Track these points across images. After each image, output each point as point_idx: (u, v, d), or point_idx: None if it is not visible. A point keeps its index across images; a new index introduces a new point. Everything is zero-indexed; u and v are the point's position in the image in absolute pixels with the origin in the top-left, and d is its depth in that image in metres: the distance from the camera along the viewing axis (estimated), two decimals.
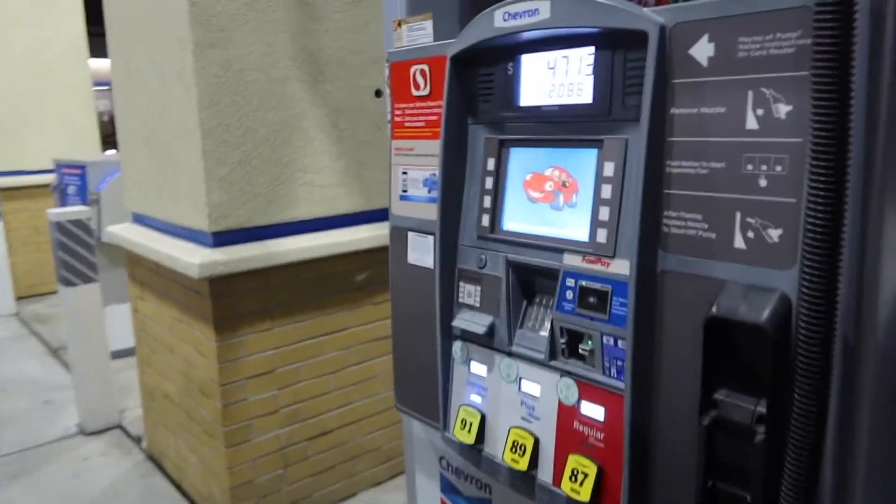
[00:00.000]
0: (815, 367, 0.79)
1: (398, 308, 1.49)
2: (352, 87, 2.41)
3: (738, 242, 0.87)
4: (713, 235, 0.90)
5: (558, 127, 1.12)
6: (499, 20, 1.09)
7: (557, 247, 1.11)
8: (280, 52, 2.22)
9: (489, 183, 1.23)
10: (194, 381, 2.43)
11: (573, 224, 1.10)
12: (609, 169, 1.03)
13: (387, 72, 1.43)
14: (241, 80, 2.14)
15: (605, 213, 1.04)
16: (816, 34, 0.72)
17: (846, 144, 0.74)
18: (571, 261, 1.09)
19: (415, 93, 1.36)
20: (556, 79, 1.11)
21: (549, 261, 1.13)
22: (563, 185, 1.12)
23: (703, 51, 0.88)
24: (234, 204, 2.18)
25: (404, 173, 1.42)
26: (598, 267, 1.05)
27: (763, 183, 0.84)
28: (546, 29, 1.03)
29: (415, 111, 1.37)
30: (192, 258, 2.09)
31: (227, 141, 2.13)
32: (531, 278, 1.21)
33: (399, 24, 1.39)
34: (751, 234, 0.86)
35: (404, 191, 1.42)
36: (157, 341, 2.70)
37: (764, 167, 0.84)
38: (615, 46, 1.01)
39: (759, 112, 0.84)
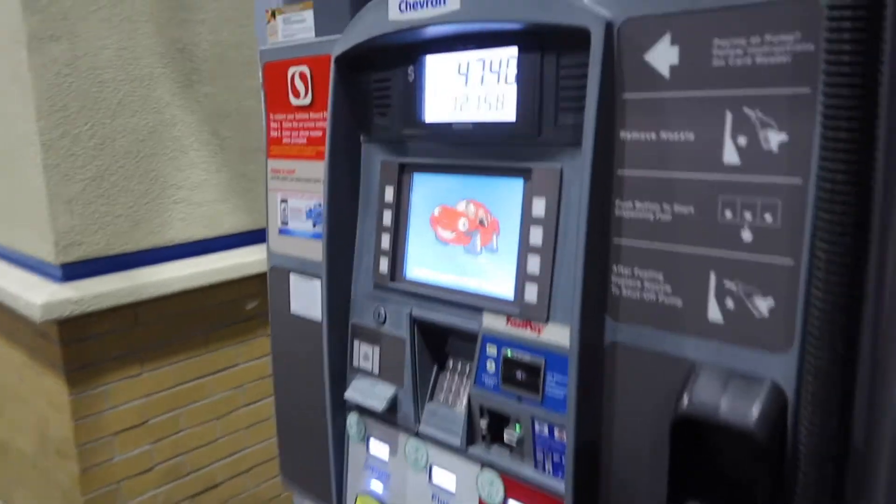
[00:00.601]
0: (822, 488, 0.59)
1: (280, 367, 1.21)
2: (234, 89, 2.09)
3: (714, 314, 0.66)
4: (679, 302, 0.68)
5: (473, 150, 0.88)
6: (394, 11, 0.83)
7: (474, 304, 0.87)
8: (143, 47, 1.88)
9: (387, 218, 0.98)
10: (50, 440, 2.04)
11: (494, 275, 0.87)
12: (538, 207, 0.80)
13: (260, 74, 1.14)
14: (93, 80, 1.79)
15: (534, 264, 0.81)
16: (832, 39, 0.51)
17: (869, 189, 0.53)
18: (493, 322, 0.86)
19: (294, 101, 1.09)
20: (470, 88, 0.87)
21: (465, 320, 0.89)
22: (481, 223, 0.88)
23: (663, 56, 0.66)
24: (88, 229, 1.83)
25: (283, 201, 1.14)
26: (527, 333, 0.82)
27: (747, 236, 0.63)
28: (455, 24, 0.78)
29: (295, 124, 1.10)
30: (35, 296, 1.72)
31: (76, 153, 1.78)
32: (443, 338, 0.97)
33: (273, 15, 1.12)
34: (730, 304, 0.65)
35: (284, 223, 1.14)
36: (7, 389, 2.28)
37: (748, 215, 0.63)
38: (545, 47, 0.78)
39: (741, 141, 0.63)
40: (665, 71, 0.67)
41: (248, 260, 2.11)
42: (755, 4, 0.60)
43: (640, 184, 0.70)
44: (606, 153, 0.71)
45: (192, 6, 1.98)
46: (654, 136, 0.68)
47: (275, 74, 1.11)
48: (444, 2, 0.77)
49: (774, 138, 0.61)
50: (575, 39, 0.72)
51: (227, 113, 2.09)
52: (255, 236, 2.19)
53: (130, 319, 1.95)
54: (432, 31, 0.84)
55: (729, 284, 0.65)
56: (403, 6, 0.82)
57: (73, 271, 1.82)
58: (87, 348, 1.86)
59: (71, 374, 1.84)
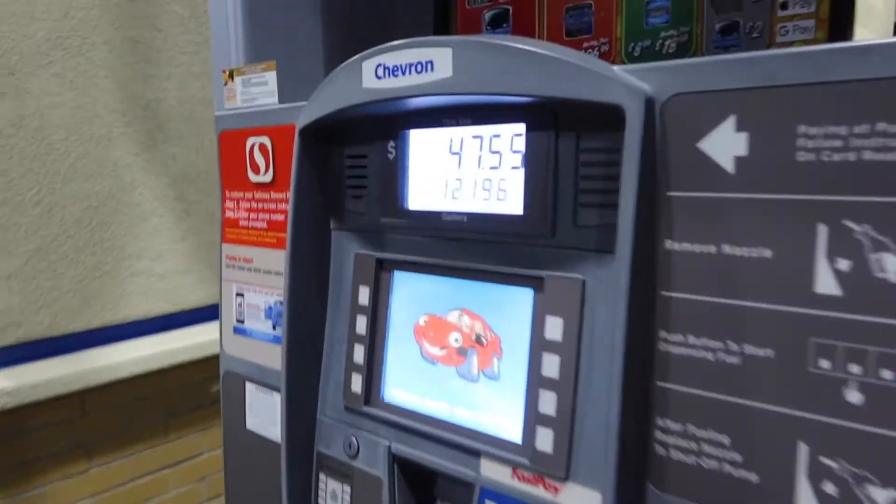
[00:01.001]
0: None
1: (233, 491, 1.01)
2: (203, 149, 1.93)
3: (806, 499, 0.48)
4: (754, 477, 0.50)
5: (468, 248, 0.71)
6: (369, 78, 0.67)
7: (470, 444, 0.69)
8: (101, 105, 1.72)
9: (362, 324, 0.80)
10: None
11: (496, 409, 0.68)
12: (554, 328, 0.62)
13: (216, 144, 0.98)
14: (41, 141, 1.62)
15: (548, 402, 0.62)
16: None
17: None
18: (494, 472, 0.67)
19: (253, 178, 0.92)
20: (464, 170, 0.70)
21: (458, 465, 0.70)
22: (478, 341, 0.70)
23: (726, 145, 0.50)
24: (29, 307, 1.63)
25: (239, 295, 0.96)
26: (539, 492, 0.63)
27: (855, 398, 0.45)
28: (445, 95, 0.62)
29: (254, 205, 0.93)
30: None
31: (18, 223, 1.59)
32: (430, 480, 0.78)
33: (231, 76, 0.96)
34: (830, 489, 0.47)
35: (240, 321, 0.96)
36: None
37: (855, 368, 0.45)
38: (562, 124, 0.61)
39: (842, 265, 0.46)
40: (728, 164, 0.50)
41: (214, 337, 1.91)
42: (861, 81, 0.44)
43: (695, 311, 0.52)
44: (647, 268, 0.54)
45: (158, 60, 1.83)
46: (712, 249, 0.51)
47: (232, 145, 0.94)
48: (431, 68, 0.61)
49: (893, 264, 0.44)
50: (602, 115, 0.56)
51: (194, 175, 1.92)
52: None
53: (76, 408, 1.73)
54: (417, 102, 0.67)
55: (828, 461, 0.47)
56: (381, 72, 0.65)
57: (10, 356, 1.61)
58: (24, 444, 1.64)
59: (4, 475, 1.61)
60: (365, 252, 0.81)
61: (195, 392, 1.97)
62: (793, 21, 0.76)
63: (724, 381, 0.51)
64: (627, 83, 0.53)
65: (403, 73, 0.63)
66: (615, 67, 0.54)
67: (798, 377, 0.48)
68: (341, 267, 0.84)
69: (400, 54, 0.64)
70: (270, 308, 0.91)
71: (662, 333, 0.54)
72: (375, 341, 0.79)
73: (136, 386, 1.83)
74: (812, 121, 0.46)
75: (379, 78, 0.66)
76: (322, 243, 0.85)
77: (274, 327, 0.91)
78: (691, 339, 0.52)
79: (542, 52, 0.55)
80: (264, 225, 0.91)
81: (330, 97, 0.73)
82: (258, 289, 0.93)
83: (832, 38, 0.74)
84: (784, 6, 0.77)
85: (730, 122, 0.50)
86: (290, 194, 0.81)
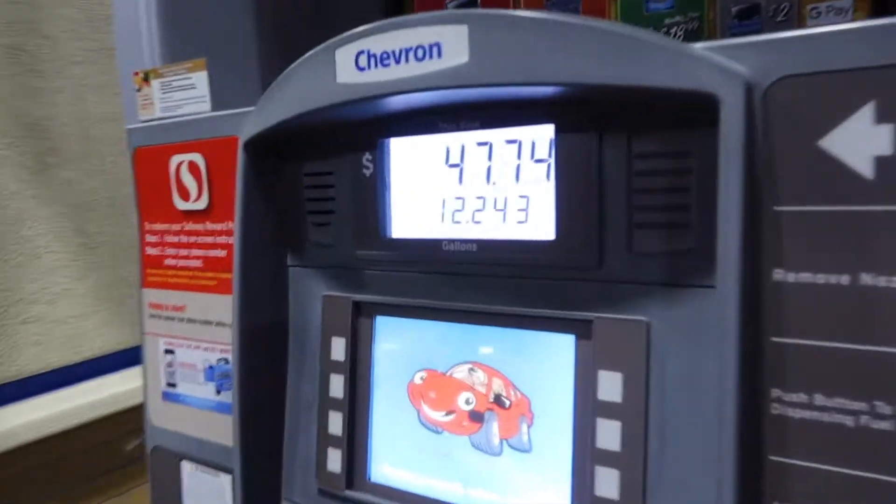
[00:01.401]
0: None
1: None
2: (105, 172, 1.69)
3: None
4: None
5: (481, 284, 0.56)
6: (346, 70, 0.51)
7: None
8: None
9: (337, 385, 0.64)
10: None
11: (529, 489, 0.54)
12: (611, 386, 0.49)
13: (130, 165, 0.79)
14: None
15: (608, 482, 0.48)
16: None
17: None
18: None
19: (182, 205, 0.73)
20: (468, 187, 0.56)
21: None
22: (499, 402, 0.55)
23: (862, 142, 0.38)
24: None
25: (169, 352, 0.77)
26: None
27: None
28: (460, 88, 0.47)
29: (184, 239, 0.74)
30: None
31: None
32: None
33: (146, 79, 0.77)
34: None
35: (171, 384, 0.77)
36: None
37: None
38: (608, 124, 0.48)
39: None
40: (865, 167, 0.38)
41: (125, 388, 1.67)
42: None
43: (823, 362, 0.40)
44: (749, 306, 0.41)
45: (47, 71, 1.58)
46: (845, 279, 0.39)
47: (150, 165, 0.76)
48: (439, 52, 0.46)
49: None
50: (665, 110, 0.43)
51: (95, 203, 1.68)
52: (134, 355, 1.75)
53: None
54: (405, 101, 0.52)
55: None
56: (364, 61, 0.50)
57: None
58: None
59: None
60: (336, 294, 0.65)
61: (105, 454, 1.71)
62: (825, 1, 0.67)
63: (870, 455, 0.39)
64: (720, 64, 0.40)
65: (397, 62, 0.48)
66: (699, 45, 0.41)
67: None
68: (305, 313, 0.67)
69: (391, 37, 0.48)
70: (212, 368, 0.73)
71: (776, 392, 0.41)
72: (357, 406, 0.63)
73: (33, 454, 1.56)
74: None
75: (361, 69, 0.50)
76: (278, 284, 0.68)
77: (218, 391, 0.73)
78: (819, 400, 0.40)
79: (603, 27, 0.42)
80: (199, 264, 0.73)
81: (288, 99, 0.57)
82: (194, 344, 0.74)
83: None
84: None
85: (867, 112, 0.37)
86: (236, 224, 0.64)
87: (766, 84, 0.40)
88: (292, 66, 0.56)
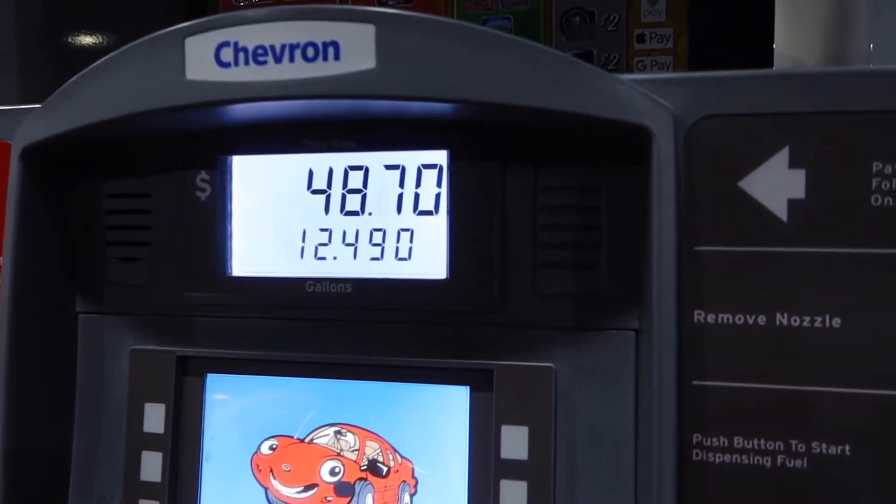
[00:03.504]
0: None
1: None
2: None
3: None
4: None
5: (352, 332, 0.49)
6: (203, 64, 0.41)
7: None
8: None
9: (153, 466, 0.51)
10: None
11: None
12: (516, 442, 0.45)
13: None
14: None
15: None
16: None
17: None
18: None
19: None
20: (336, 218, 0.49)
21: None
22: (373, 470, 0.48)
23: (778, 185, 0.40)
24: None
25: None
26: None
27: None
28: (362, 99, 0.40)
29: None
30: None
31: None
32: None
33: None
34: None
35: None
36: None
37: None
38: (512, 153, 0.45)
39: None
40: (780, 209, 0.40)
41: None
42: None
43: (742, 404, 0.40)
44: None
45: None
46: (762, 319, 0.40)
47: None
48: (336, 54, 0.39)
49: None
50: (573, 143, 0.42)
51: None
52: None
53: None
54: (281, 109, 0.44)
55: None
56: (229, 55, 0.41)
57: None
58: None
59: None
60: (150, 348, 0.52)
61: None
62: (650, 56, 0.72)
63: (789, 493, 0.40)
64: (651, 98, 0.39)
65: (277, 60, 0.40)
66: (624, 77, 0.40)
67: (889, 479, 0.38)
68: (100, 373, 0.53)
69: (269, 28, 0.40)
70: None
71: (697, 437, 0.41)
72: (179, 492, 0.51)
73: None
74: (893, 156, 0.38)
75: (224, 65, 0.41)
76: (62, 335, 0.53)
77: None
78: (739, 442, 0.40)
79: (535, 46, 0.38)
80: None
81: (104, 96, 0.45)
82: None
83: None
84: (640, 39, 0.73)
85: (782, 156, 0.39)
86: (5, 257, 0.49)
87: (690, 122, 0.40)
88: (113, 54, 0.44)
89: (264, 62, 0.40)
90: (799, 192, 0.39)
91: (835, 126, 0.39)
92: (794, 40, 0.72)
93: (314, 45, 0.39)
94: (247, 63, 0.41)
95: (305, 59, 0.40)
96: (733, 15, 0.75)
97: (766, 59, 0.73)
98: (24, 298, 0.49)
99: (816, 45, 0.70)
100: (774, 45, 0.73)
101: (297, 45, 0.40)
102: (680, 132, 0.40)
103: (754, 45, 0.74)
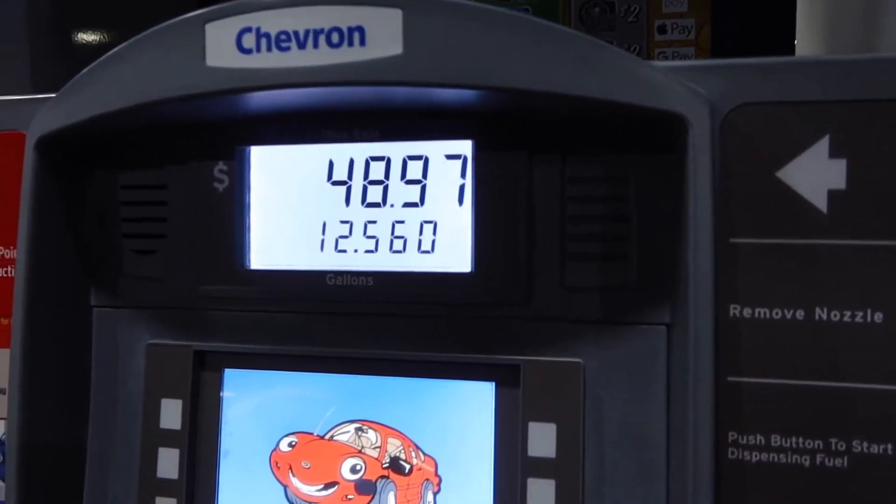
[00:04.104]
0: None
1: None
2: None
3: None
4: None
5: (374, 326, 0.48)
6: (224, 51, 0.40)
7: None
8: None
9: (170, 463, 0.50)
10: None
11: None
12: (544, 440, 0.44)
13: None
14: None
15: None
16: None
17: None
18: None
19: None
20: (357, 209, 0.48)
21: None
22: (395, 467, 0.47)
23: (818, 175, 0.38)
24: None
25: None
26: None
27: None
28: (390, 86, 0.39)
29: None
30: None
31: None
32: None
33: None
34: None
35: None
36: None
37: None
38: (538, 142, 0.44)
39: None
40: (820, 201, 0.38)
41: None
42: None
43: (779, 401, 0.39)
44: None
45: None
46: (800, 314, 0.39)
47: None
48: (362, 39, 0.38)
49: None
50: (601, 132, 0.41)
51: None
52: None
53: None
54: (307, 97, 0.43)
55: None
56: (251, 41, 0.40)
57: None
58: None
59: None
60: (167, 342, 0.51)
61: None
62: (671, 47, 0.71)
63: (828, 493, 0.39)
64: (687, 85, 0.38)
65: (301, 46, 0.39)
66: (658, 63, 0.39)
67: None
68: (115, 368, 0.52)
69: (292, 14, 0.39)
70: None
71: (733, 435, 0.40)
72: (197, 489, 0.50)
73: None
74: None
75: (246, 52, 0.40)
76: (76, 330, 0.52)
77: None
78: (777, 441, 0.39)
79: (566, 31, 0.37)
80: None
81: (122, 83, 0.44)
82: None
83: None
84: (662, 30, 0.71)
85: (823, 145, 0.38)
86: (20, 250, 0.48)
87: (726, 110, 0.39)
88: (130, 41, 0.43)
89: (287, 48, 0.39)
90: (840, 182, 0.38)
91: (877, 114, 0.37)
92: (816, 31, 0.71)
93: (339, 30, 0.38)
94: (269, 49, 0.40)
95: (330, 44, 0.38)
96: (756, 5, 0.74)
97: (789, 49, 0.72)
98: (39, 291, 0.48)
99: (840, 34, 0.69)
100: (796, 37, 0.72)
101: (322, 31, 0.39)
102: (716, 120, 0.39)
103: (777, 36, 0.72)
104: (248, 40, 0.40)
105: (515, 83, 0.38)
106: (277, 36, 0.39)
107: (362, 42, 0.38)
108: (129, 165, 0.51)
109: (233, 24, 0.40)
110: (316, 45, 0.39)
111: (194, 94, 0.41)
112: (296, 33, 0.39)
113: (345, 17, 0.38)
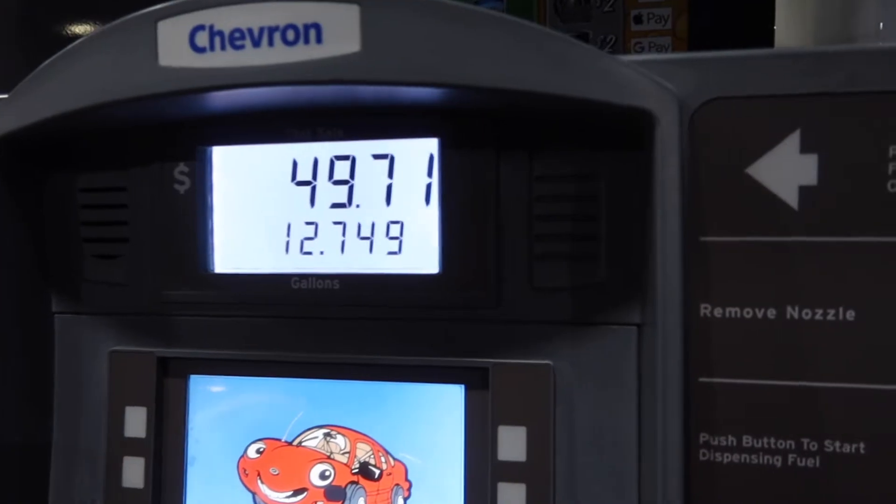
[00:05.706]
0: None
1: None
2: None
3: None
4: None
5: (341, 330, 0.47)
6: (177, 50, 0.39)
7: None
8: None
9: (134, 472, 0.49)
10: None
11: None
12: (514, 443, 0.43)
13: None
14: None
15: None
16: None
17: None
18: None
19: None
20: (322, 210, 0.46)
21: None
22: (365, 472, 0.46)
23: (788, 171, 0.38)
24: None
25: None
26: None
27: None
28: (347, 84, 0.38)
29: None
30: None
31: None
32: None
33: None
34: None
35: None
36: None
37: None
38: (505, 140, 0.43)
39: None
40: (791, 197, 0.38)
41: None
42: None
43: (750, 401, 0.38)
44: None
45: None
46: (772, 313, 0.38)
47: None
48: (318, 37, 0.37)
49: None
50: (568, 129, 0.40)
51: None
52: None
53: None
54: (265, 97, 0.42)
55: None
56: (205, 39, 0.38)
57: None
58: None
59: None
60: (131, 349, 0.50)
61: None
62: (648, 37, 0.70)
63: (800, 494, 0.38)
64: (655, 80, 0.37)
65: (255, 44, 0.38)
66: (624, 57, 0.38)
67: None
68: (79, 375, 0.51)
69: (245, 10, 0.38)
70: None
71: (704, 437, 0.39)
72: (163, 497, 0.49)
73: None
74: None
75: (199, 50, 0.38)
76: (37, 337, 0.51)
77: None
78: (748, 441, 0.38)
79: (531, 26, 0.36)
80: None
81: (72, 85, 0.42)
82: None
83: None
84: (638, 20, 0.70)
85: (793, 140, 0.37)
86: None
87: (695, 105, 0.38)
88: (82, 39, 0.42)
89: (242, 46, 0.38)
90: (811, 178, 0.37)
91: (849, 108, 0.37)
92: (795, 20, 0.70)
93: (294, 27, 0.37)
94: (223, 48, 0.38)
95: (285, 42, 0.37)
96: None
97: (768, 39, 0.71)
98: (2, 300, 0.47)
99: (819, 25, 0.68)
100: (775, 26, 0.71)
101: (277, 28, 0.37)
102: (684, 116, 0.38)
103: (755, 26, 0.71)
104: (202, 38, 0.38)
105: (477, 81, 0.37)
106: (231, 34, 0.38)
107: (319, 39, 0.37)
108: (88, 167, 0.50)
109: (185, 22, 0.39)
110: (271, 43, 0.37)
111: (148, 95, 0.40)
112: (250, 31, 0.38)
113: (301, 13, 0.37)
